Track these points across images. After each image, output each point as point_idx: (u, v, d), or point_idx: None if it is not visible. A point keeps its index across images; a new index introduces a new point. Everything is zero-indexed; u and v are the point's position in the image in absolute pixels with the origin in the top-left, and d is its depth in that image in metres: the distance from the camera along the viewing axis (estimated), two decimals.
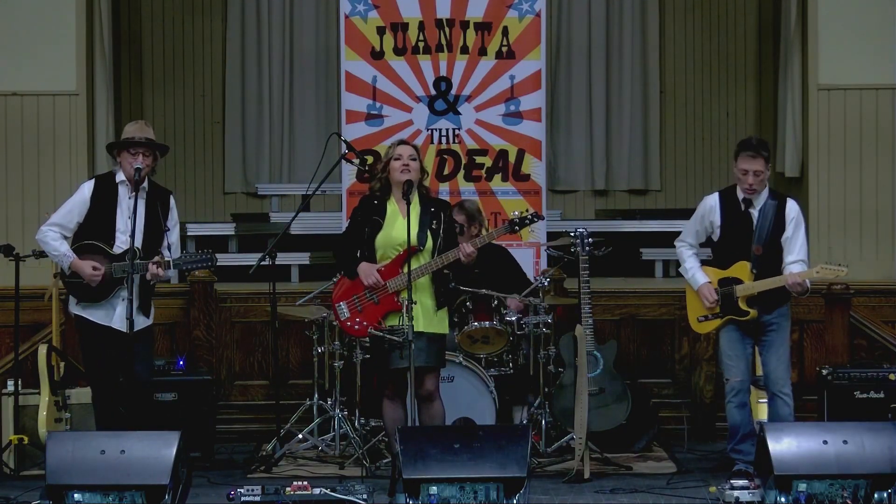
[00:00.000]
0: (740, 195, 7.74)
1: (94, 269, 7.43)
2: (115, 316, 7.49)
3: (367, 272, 7.43)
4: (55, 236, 7.56)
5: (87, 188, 7.63)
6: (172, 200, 7.73)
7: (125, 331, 7.27)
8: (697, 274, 7.83)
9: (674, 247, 7.84)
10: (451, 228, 7.59)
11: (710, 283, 7.77)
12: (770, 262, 7.67)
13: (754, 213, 7.72)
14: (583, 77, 12.17)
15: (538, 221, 7.86)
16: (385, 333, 7.38)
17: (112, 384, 7.49)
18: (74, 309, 7.62)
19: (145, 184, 7.56)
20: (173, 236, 7.63)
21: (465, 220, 8.53)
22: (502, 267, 8.84)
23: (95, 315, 7.50)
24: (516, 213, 7.66)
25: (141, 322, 7.46)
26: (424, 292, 7.43)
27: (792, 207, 7.75)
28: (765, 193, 7.73)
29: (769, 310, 7.71)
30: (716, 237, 7.86)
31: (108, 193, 7.56)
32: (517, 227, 7.61)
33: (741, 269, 7.70)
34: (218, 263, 7.82)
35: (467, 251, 7.36)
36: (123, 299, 7.40)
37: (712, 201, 7.86)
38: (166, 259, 7.44)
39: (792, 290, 7.60)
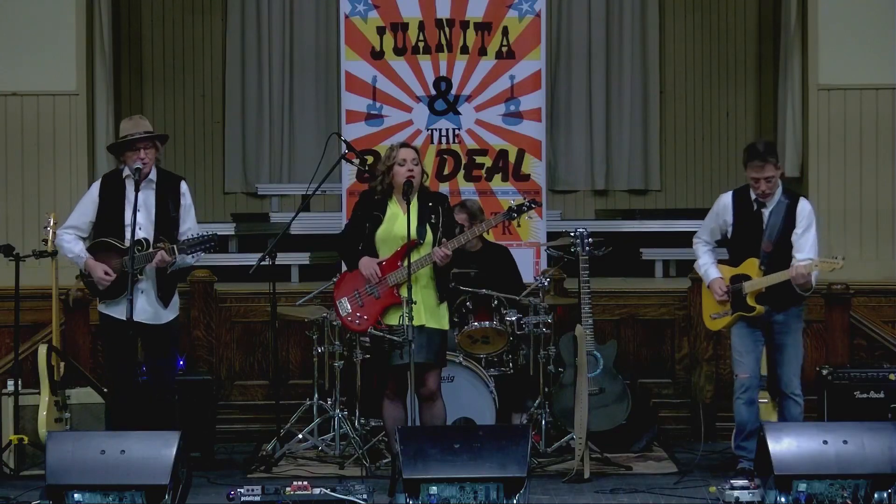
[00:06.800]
0: (753, 195, 7.76)
1: (106, 273, 7.44)
2: (136, 309, 7.41)
3: (367, 266, 7.43)
4: (70, 238, 7.62)
5: (96, 187, 7.69)
6: (184, 186, 7.70)
7: (148, 322, 7.45)
8: (710, 269, 7.85)
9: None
10: (450, 219, 7.59)
11: (721, 278, 7.78)
12: (780, 259, 7.66)
13: (765, 212, 7.73)
14: (583, 77, 12.18)
15: (535, 207, 7.83)
16: (385, 333, 7.37)
17: (129, 384, 7.52)
18: (100, 307, 7.68)
19: (153, 175, 7.57)
20: (187, 222, 7.63)
21: (468, 219, 8.53)
22: (503, 267, 8.83)
23: (118, 311, 7.48)
24: (513, 201, 7.65)
25: (162, 315, 7.55)
26: (426, 285, 7.42)
27: (804, 206, 7.75)
28: (778, 192, 7.75)
29: (780, 308, 7.71)
30: (729, 235, 7.88)
31: (115, 190, 7.58)
32: (515, 215, 7.59)
33: (750, 265, 7.70)
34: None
35: (441, 254, 7.31)
36: (142, 291, 7.48)
37: (726, 199, 7.88)
38: (170, 245, 7.43)
39: (795, 283, 7.58)
